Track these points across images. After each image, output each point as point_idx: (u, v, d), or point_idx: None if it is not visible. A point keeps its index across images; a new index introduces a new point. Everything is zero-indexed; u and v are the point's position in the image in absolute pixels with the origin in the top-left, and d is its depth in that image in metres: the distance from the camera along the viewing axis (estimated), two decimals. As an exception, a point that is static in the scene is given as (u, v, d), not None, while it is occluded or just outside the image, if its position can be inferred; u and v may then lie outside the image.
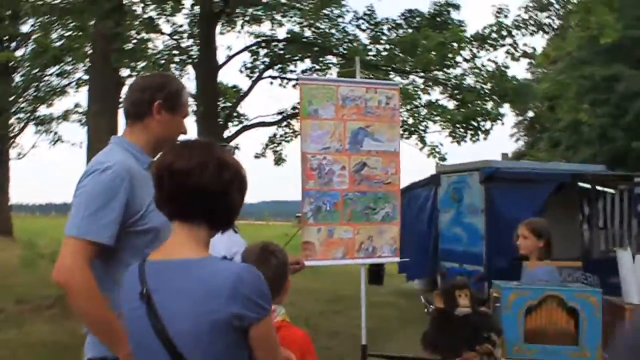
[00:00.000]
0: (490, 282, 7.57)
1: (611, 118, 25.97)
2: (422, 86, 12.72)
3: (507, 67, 10.96)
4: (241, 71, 13.99)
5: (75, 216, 1.99)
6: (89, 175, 2.05)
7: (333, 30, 13.12)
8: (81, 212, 1.99)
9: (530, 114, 32.14)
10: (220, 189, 1.58)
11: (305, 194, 4.27)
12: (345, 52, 12.48)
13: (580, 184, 9.77)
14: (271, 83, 14.08)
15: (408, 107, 12.14)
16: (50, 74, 18.30)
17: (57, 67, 17.43)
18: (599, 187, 10.61)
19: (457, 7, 12.30)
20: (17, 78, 18.97)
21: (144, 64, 10.41)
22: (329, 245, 4.29)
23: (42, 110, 20.61)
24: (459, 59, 11.19)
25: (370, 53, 12.16)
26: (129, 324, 1.63)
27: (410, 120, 12.35)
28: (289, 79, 13.78)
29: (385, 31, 12.88)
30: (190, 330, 1.48)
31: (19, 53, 18.51)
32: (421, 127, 12.18)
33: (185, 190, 1.56)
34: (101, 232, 1.98)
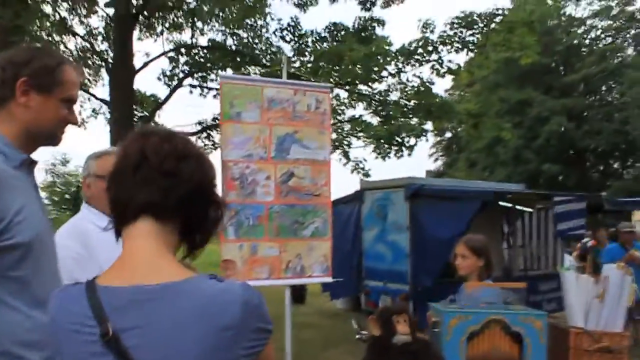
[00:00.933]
0: (415, 301, 7.41)
1: (524, 140, 27.09)
2: (347, 101, 12.55)
3: (432, 83, 10.98)
4: (159, 79, 13.35)
5: None
6: None
7: (256, 41, 12.78)
8: None
9: (448, 134, 33.27)
10: (211, 188, 1.28)
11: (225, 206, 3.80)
12: (268, 63, 12.14)
13: (501, 202, 9.83)
14: (191, 92, 13.51)
15: (332, 121, 11.92)
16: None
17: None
18: (518, 207, 10.77)
19: (382, 22, 12.25)
20: None
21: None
22: (253, 264, 3.82)
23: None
24: (384, 73, 11.08)
25: (294, 65, 11.89)
26: None
27: (334, 135, 12.14)
28: (210, 88, 13.27)
29: (310, 44, 12.66)
30: None
31: None
32: (345, 143, 11.98)
33: (174, 175, 1.20)
34: None
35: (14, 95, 1.70)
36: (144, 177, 1.19)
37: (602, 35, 30.70)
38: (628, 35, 29.54)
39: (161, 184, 1.19)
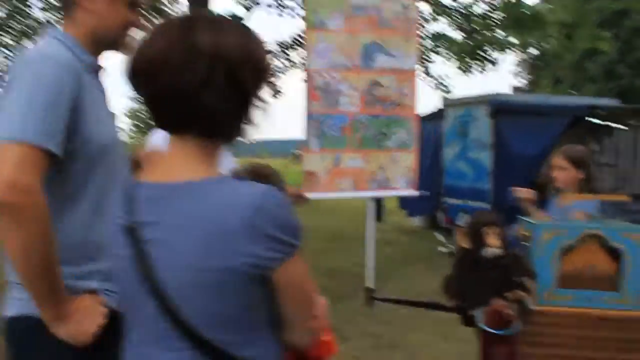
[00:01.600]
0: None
1: (618, 54, 25.27)
2: (429, 15, 11.96)
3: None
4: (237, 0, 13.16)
5: (12, 115, 1.43)
6: (24, 65, 1.50)
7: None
8: (20, 108, 1.42)
9: (534, 51, 31.45)
10: (192, 88, 1.09)
11: (308, 116, 3.71)
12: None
13: (591, 119, 9.29)
14: (269, 12, 13.29)
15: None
16: (33, 7, 17.29)
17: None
18: (610, 123, 10.15)
19: None
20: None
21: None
22: (335, 176, 3.77)
23: (28, 46, 19.46)
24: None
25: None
26: (113, 266, 1.21)
27: (415, 51, 11.67)
28: (287, 7, 12.98)
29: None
30: (192, 284, 1.06)
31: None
32: (426, 59, 11.53)
33: (153, 94, 1.12)
34: (52, 137, 1.43)
35: (77, 0, 1.66)
36: (139, 95, 1.16)
37: None
38: None
39: (152, 105, 1.14)
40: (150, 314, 1.10)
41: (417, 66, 11.36)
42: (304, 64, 3.93)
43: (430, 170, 9.65)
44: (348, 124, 3.83)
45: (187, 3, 11.40)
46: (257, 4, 13.04)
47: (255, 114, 1.20)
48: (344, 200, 4.06)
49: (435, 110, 10.08)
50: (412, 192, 4.02)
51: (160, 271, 1.08)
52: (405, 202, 10.33)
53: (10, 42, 18.54)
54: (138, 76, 1.13)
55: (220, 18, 1.16)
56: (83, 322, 1.52)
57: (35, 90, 1.45)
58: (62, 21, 1.72)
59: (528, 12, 10.19)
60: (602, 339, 2.79)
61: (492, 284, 2.70)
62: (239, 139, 1.21)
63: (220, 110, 1.12)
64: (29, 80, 1.46)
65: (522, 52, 30.60)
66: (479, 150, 9.07)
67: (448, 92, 11.47)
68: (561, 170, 3.34)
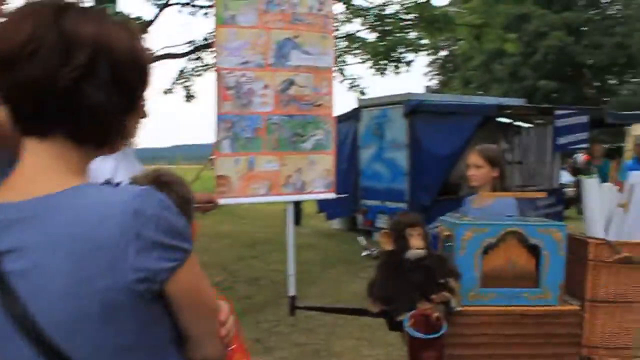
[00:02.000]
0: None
1: (521, 57, 26.53)
2: (343, 16, 11.98)
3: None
4: (146, -2, 12.66)
5: None
6: None
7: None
8: None
9: (444, 52, 32.55)
10: (65, 83, 0.91)
11: (219, 118, 3.50)
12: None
13: (500, 118, 9.61)
14: (180, 11, 12.83)
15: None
16: None
17: None
18: (517, 122, 10.56)
19: None
20: None
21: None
22: (250, 180, 3.57)
23: None
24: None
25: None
26: None
27: (329, 52, 11.62)
28: (200, 7, 12.58)
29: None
30: (71, 315, 0.88)
31: None
32: (340, 60, 11.52)
33: (16, 88, 0.92)
34: None
35: None
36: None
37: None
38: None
39: (13, 102, 0.95)
40: (23, 350, 0.90)
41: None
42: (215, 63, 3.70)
43: (347, 171, 9.63)
44: (262, 125, 3.64)
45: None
46: (168, 5, 12.59)
47: (135, 121, 1.03)
48: (261, 205, 3.89)
49: (348, 110, 10.07)
50: (330, 195, 3.88)
51: (31, 306, 0.88)
52: (323, 205, 10.27)
53: None
54: None
55: (100, 10, 1.00)
56: None
57: None
58: None
59: (438, 13, 10.40)
60: (526, 336, 2.78)
61: (417, 286, 2.61)
62: (117, 146, 1.03)
63: (103, 109, 0.95)
64: None
65: (434, 53, 31.61)
66: (395, 151, 9.14)
67: (363, 93, 11.50)
68: (477, 169, 3.33)
